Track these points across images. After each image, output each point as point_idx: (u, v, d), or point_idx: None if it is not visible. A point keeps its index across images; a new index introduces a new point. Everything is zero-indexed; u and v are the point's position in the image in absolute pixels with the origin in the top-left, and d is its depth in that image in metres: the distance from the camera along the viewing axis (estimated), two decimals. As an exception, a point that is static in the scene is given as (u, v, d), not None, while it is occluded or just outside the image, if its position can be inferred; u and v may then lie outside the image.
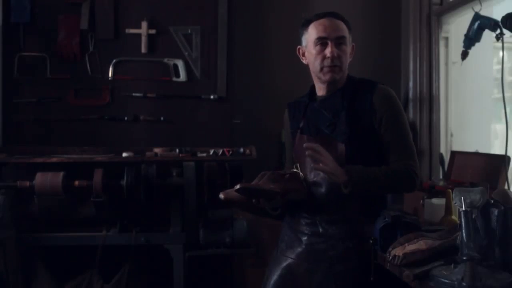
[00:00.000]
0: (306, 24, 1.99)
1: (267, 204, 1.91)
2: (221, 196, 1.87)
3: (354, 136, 1.89)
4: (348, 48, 1.97)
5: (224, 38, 3.37)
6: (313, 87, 2.07)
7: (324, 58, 1.93)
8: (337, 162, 1.87)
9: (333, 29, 1.92)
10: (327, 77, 1.95)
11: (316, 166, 1.81)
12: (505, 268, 1.52)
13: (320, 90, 2.03)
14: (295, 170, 1.98)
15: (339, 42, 1.93)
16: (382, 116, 1.91)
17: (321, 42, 1.93)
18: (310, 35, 1.96)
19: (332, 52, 1.91)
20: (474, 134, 3.49)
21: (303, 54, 2.03)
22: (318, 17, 1.96)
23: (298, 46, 2.05)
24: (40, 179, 2.83)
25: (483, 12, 2.72)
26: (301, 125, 2.04)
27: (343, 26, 1.95)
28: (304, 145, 1.82)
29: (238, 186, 1.80)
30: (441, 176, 3.11)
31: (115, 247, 2.93)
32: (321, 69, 1.95)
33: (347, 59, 1.97)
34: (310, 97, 2.06)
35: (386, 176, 1.85)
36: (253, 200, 1.88)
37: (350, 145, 1.88)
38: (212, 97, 3.35)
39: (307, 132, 2.01)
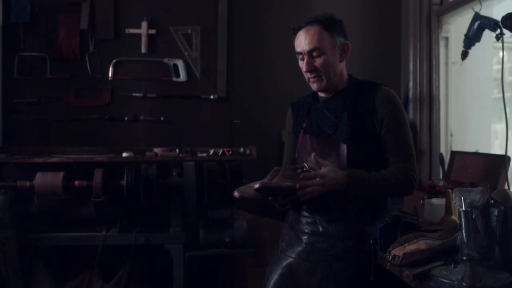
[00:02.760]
0: (294, 35, 2.01)
1: (280, 201, 1.91)
2: (236, 194, 1.86)
3: (356, 137, 1.90)
4: (329, 54, 1.94)
5: (224, 38, 3.37)
6: None
7: (305, 71, 1.98)
8: (338, 161, 1.89)
9: (306, 42, 1.93)
10: (313, 87, 2.01)
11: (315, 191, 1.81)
12: (505, 268, 1.52)
13: (322, 92, 2.05)
14: (305, 165, 1.97)
15: (313, 53, 1.94)
16: (384, 117, 1.92)
17: (300, 56, 1.99)
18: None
19: (305, 67, 1.96)
20: (474, 134, 3.49)
21: None
22: (298, 28, 1.98)
23: None
24: (40, 179, 2.83)
25: (483, 12, 2.72)
26: (304, 125, 2.06)
27: (320, 34, 1.92)
28: (297, 185, 1.81)
29: (257, 185, 1.80)
30: (441, 176, 3.11)
31: (115, 247, 2.93)
32: (308, 80, 2.01)
33: (329, 66, 1.94)
34: (314, 98, 2.09)
35: (385, 182, 1.86)
36: (269, 198, 1.88)
37: (351, 145, 1.90)
38: (212, 97, 3.35)
39: (310, 132, 2.02)
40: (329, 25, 1.94)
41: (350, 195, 1.84)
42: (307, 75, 1.98)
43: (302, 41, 1.94)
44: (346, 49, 2.00)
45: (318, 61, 1.94)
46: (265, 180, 1.87)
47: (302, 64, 1.98)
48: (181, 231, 2.95)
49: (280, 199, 1.89)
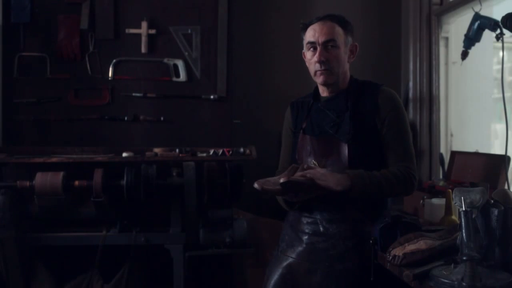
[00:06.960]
0: (303, 29, 2.03)
1: (300, 198, 1.88)
2: (256, 186, 1.84)
3: (357, 137, 1.91)
4: (342, 50, 1.97)
5: (224, 38, 3.37)
6: (317, 88, 2.10)
7: (315, 62, 1.96)
8: (340, 161, 1.90)
9: (322, 33, 1.95)
10: (319, 80, 2.00)
11: (320, 185, 1.81)
12: (505, 268, 1.52)
13: (324, 92, 2.06)
14: (315, 163, 1.96)
15: (328, 45, 1.95)
16: (386, 117, 1.93)
17: (312, 46, 1.98)
18: (305, 40, 2.02)
19: (318, 57, 1.95)
20: (474, 134, 3.48)
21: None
22: (309, 23, 2.00)
23: (303, 50, 2.08)
24: (40, 179, 2.83)
25: (483, 12, 2.72)
26: (304, 125, 2.05)
27: (335, 29, 1.96)
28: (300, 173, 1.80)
29: (282, 180, 1.79)
30: (441, 176, 3.10)
31: (115, 247, 2.93)
32: (315, 73, 1.99)
33: (340, 61, 1.97)
34: (315, 98, 2.09)
35: (387, 181, 1.86)
36: (289, 194, 1.87)
37: (353, 145, 1.90)
38: (212, 97, 3.35)
39: (310, 132, 2.02)
40: (344, 23, 1.99)
41: (354, 194, 1.83)
42: (316, 67, 1.97)
43: (318, 32, 1.95)
44: (354, 50, 2.03)
45: (331, 54, 1.95)
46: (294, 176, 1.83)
47: (312, 55, 1.97)
48: (181, 231, 2.95)
49: (302, 195, 1.86)
